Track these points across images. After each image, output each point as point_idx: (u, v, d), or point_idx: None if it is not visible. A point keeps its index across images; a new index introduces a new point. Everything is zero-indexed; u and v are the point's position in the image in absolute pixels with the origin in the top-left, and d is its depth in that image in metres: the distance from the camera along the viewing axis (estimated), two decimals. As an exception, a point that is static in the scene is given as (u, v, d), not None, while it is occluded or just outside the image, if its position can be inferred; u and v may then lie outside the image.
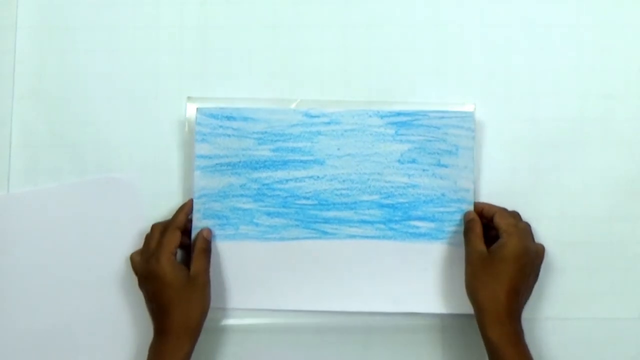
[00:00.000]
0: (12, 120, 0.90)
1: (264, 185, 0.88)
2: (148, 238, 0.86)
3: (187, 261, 0.86)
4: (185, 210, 0.87)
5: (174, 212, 0.88)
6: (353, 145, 0.88)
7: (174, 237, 0.84)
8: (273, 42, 0.91)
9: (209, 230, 0.87)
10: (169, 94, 0.90)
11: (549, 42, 0.90)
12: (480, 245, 0.84)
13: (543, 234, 0.88)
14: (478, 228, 0.85)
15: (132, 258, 0.86)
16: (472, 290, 0.84)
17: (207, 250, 0.86)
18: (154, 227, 0.86)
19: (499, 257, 0.82)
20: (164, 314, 0.82)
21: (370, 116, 0.89)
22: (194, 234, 0.87)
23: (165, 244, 0.83)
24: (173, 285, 0.82)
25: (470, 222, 0.86)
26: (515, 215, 0.87)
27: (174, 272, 0.82)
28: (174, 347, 0.82)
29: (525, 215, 0.87)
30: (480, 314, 0.82)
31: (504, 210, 0.86)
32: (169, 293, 0.82)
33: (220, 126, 0.88)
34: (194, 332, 0.83)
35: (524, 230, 0.84)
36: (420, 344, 0.89)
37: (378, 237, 0.88)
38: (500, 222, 0.84)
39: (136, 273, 0.85)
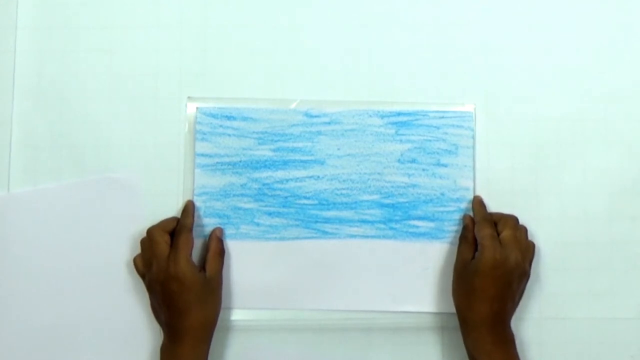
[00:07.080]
0: (12, 120, 0.90)
1: (264, 185, 0.88)
2: (146, 242, 0.85)
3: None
4: (191, 212, 0.87)
5: (174, 212, 0.88)
6: (353, 145, 0.89)
7: (189, 240, 0.84)
8: (273, 42, 0.91)
9: (221, 229, 0.88)
10: (169, 94, 0.90)
11: (549, 42, 0.90)
12: (467, 253, 0.85)
13: (543, 234, 0.88)
14: (470, 235, 0.86)
15: (136, 262, 0.86)
16: (454, 296, 0.85)
17: (222, 251, 0.87)
18: (152, 231, 0.85)
19: (474, 270, 0.82)
20: (181, 316, 0.82)
21: (370, 116, 0.89)
22: (195, 232, 0.87)
23: (181, 247, 0.83)
24: (193, 287, 0.82)
25: (463, 228, 0.87)
26: (507, 220, 0.85)
27: (193, 274, 0.82)
28: (192, 349, 0.82)
29: (525, 215, 0.87)
30: (459, 321, 0.84)
31: (486, 218, 0.86)
32: (188, 295, 0.82)
33: (221, 125, 0.88)
34: (211, 333, 0.84)
35: (505, 239, 0.83)
36: (420, 344, 0.89)
37: (378, 237, 0.88)
38: (477, 233, 0.84)
39: (142, 277, 0.85)
